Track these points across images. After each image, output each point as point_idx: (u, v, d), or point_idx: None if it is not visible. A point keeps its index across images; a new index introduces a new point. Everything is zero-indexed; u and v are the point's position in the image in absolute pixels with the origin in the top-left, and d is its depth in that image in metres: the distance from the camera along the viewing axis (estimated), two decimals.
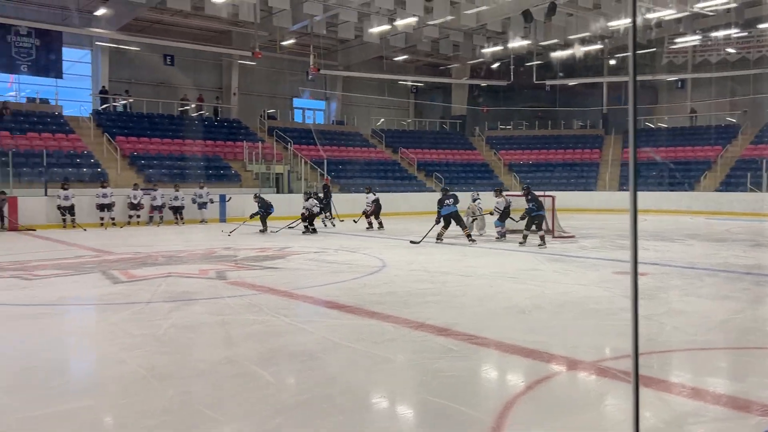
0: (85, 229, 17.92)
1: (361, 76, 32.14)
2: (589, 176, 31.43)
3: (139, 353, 5.31)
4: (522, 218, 13.90)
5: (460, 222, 14.00)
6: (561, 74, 32.42)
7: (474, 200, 16.75)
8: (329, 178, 24.83)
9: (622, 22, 24.75)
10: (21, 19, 22.66)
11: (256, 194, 18.77)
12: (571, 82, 33.69)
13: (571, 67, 32.62)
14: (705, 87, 32.99)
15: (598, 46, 28.72)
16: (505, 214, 14.81)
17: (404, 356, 5.26)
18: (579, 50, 28.41)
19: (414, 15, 23.35)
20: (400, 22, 23.98)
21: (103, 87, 27.17)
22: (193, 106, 29.33)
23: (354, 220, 20.25)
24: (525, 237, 13.39)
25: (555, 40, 28.32)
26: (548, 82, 32.59)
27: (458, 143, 35.03)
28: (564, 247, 13.11)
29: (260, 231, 17.04)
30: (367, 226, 18.28)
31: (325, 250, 12.70)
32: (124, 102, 27.70)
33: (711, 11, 25.20)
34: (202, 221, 20.81)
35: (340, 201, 22.63)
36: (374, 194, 18.48)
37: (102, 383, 4.69)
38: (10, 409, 4.06)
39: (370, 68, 32.12)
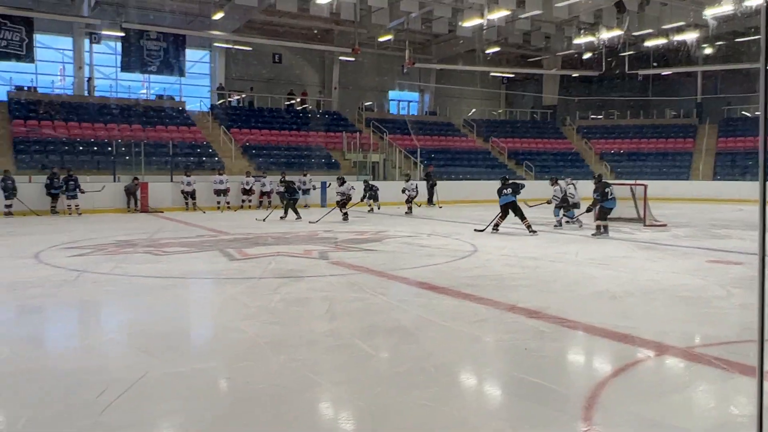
0: (204, 212, 18.84)
1: (454, 68, 31.82)
2: (682, 165, 29.73)
3: (253, 323, 5.56)
4: (588, 210, 13.29)
5: (518, 212, 12.68)
6: (654, 64, 30.73)
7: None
8: (432, 166, 24.75)
9: (719, 11, 23.12)
10: (151, 25, 24.00)
11: (282, 178, 18.00)
12: (665, 72, 31.88)
13: (664, 57, 30.85)
14: None
15: (693, 35, 26.95)
16: (564, 202, 14.18)
17: (496, 336, 5.23)
18: (673, 40, 26.82)
19: (506, 8, 22.83)
20: (492, 16, 23.50)
21: (220, 84, 28.38)
22: (298, 100, 30.08)
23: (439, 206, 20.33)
24: (597, 228, 12.38)
25: (648, 30, 26.85)
26: (641, 72, 31.02)
27: (549, 132, 34.04)
28: (655, 236, 12.52)
29: (281, 218, 16.16)
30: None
31: (419, 235, 12.75)
32: (238, 97, 28.81)
33: None
34: (306, 206, 21.38)
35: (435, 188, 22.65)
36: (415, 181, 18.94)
37: (223, 348, 4.95)
38: (150, 366, 4.37)
39: (462, 61, 31.72)
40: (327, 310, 6.11)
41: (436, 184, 22.30)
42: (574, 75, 33.87)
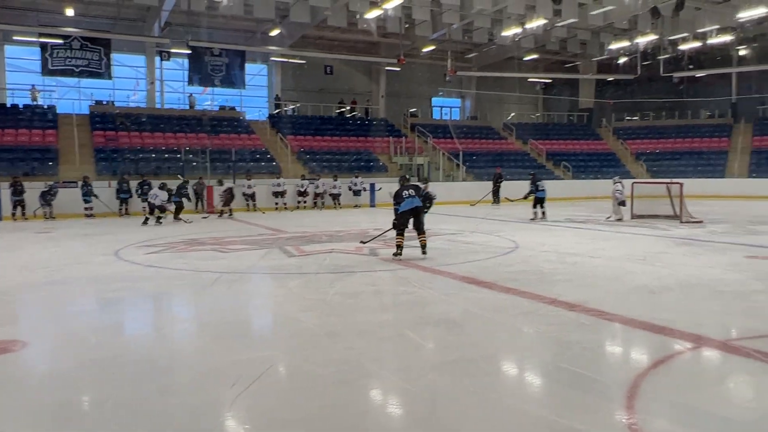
0: (263, 212, 19.16)
1: (494, 75, 31.46)
2: (717, 164, 28.62)
3: (311, 314, 5.64)
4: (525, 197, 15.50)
5: (420, 222, 8.95)
6: (689, 66, 29.67)
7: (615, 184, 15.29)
8: (500, 167, 24.47)
9: (753, 13, 22.14)
10: (214, 42, 24.57)
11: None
12: (699, 74, 30.75)
13: (698, 59, 29.75)
14: None
15: (728, 37, 25.88)
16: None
17: (539, 328, 5.16)
18: (707, 42, 25.83)
19: (543, 17, 22.44)
20: (530, 25, 23.12)
21: (277, 95, 28.85)
22: (348, 108, 30.29)
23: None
24: (534, 214, 14.93)
25: (683, 34, 25.95)
26: (676, 75, 29.96)
27: (585, 134, 33.28)
28: (692, 232, 12.11)
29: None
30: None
31: (462, 232, 12.67)
32: (293, 107, 29.21)
33: None
34: (356, 206, 21.52)
35: (477, 188, 22.56)
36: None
37: (283, 337, 5.04)
38: (217, 353, 4.50)
39: (501, 68, 31.32)
40: (379, 303, 6.15)
41: (500, 184, 22.44)
42: (609, 79, 33.02)
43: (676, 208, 14.40)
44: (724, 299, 6.06)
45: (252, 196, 19.82)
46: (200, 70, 24.27)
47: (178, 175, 19.72)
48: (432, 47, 27.80)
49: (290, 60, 28.09)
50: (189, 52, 23.82)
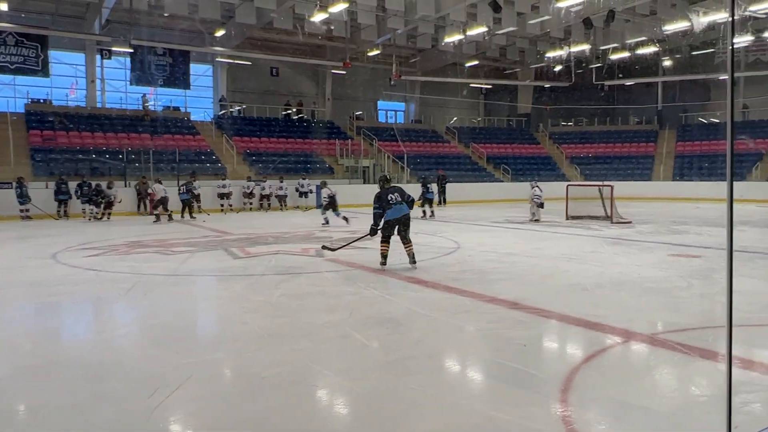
0: (208, 214, 18.72)
1: (437, 80, 31.86)
2: (644, 168, 29.99)
3: (257, 316, 5.55)
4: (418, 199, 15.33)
5: (406, 231, 8.02)
6: (619, 75, 30.96)
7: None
8: (442, 169, 24.67)
9: (677, 26, 23.34)
10: (158, 42, 23.82)
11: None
12: (628, 82, 32.14)
13: (627, 68, 31.06)
14: (757, 84, 30.67)
15: (654, 48, 27.19)
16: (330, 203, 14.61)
17: (479, 325, 5.25)
18: (635, 53, 27.03)
19: (484, 25, 22.92)
20: (471, 32, 23.58)
21: (222, 96, 28.23)
22: (294, 110, 30.00)
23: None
24: (423, 212, 16.28)
25: (613, 44, 27.06)
26: (607, 83, 31.22)
27: (524, 138, 34.19)
28: (622, 232, 12.62)
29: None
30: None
31: None
32: (239, 108, 28.70)
33: (763, 14, 23.34)
34: (305, 208, 21.33)
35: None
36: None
37: (228, 339, 4.93)
38: (159, 358, 4.36)
39: (444, 73, 31.76)
40: (324, 304, 6.11)
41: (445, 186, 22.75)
42: (545, 86, 34.05)
43: (607, 210, 14.97)
44: (651, 295, 6.34)
45: (196, 198, 19.33)
46: (143, 70, 23.51)
47: (190, 174, 19.03)
48: (377, 51, 27.90)
49: (236, 61, 27.56)
50: (131, 50, 23.02)
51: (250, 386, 3.78)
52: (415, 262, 8.00)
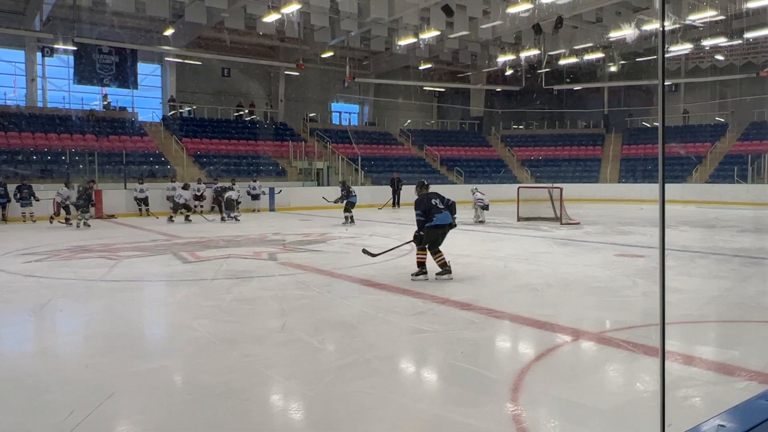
0: (157, 217, 18.24)
1: (391, 82, 32.01)
2: (592, 170, 30.92)
3: (206, 322, 5.42)
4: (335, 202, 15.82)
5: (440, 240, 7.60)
6: (567, 80, 31.86)
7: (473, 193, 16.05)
8: (396, 172, 24.67)
9: (621, 34, 24.21)
10: (104, 40, 23.05)
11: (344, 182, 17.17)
12: (576, 87, 33.10)
13: (575, 74, 31.99)
14: (696, 90, 32.13)
15: (600, 55, 28.13)
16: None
17: (432, 327, 5.28)
18: (583, 58, 27.88)
19: (437, 29, 23.17)
20: (424, 36, 23.81)
21: (172, 96, 27.56)
22: (246, 111, 29.56)
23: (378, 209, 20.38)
24: (346, 218, 15.20)
25: (562, 50, 27.83)
26: (556, 87, 32.03)
27: (476, 141, 34.71)
28: (571, 233, 12.96)
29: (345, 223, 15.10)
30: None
31: (360, 236, 12.74)
32: (189, 109, 28.07)
33: (702, 23, 24.48)
34: (256, 210, 21.04)
35: (370, 192, 22.80)
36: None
37: (177, 347, 4.80)
38: (106, 367, 4.20)
39: (398, 76, 31.95)
40: (277, 309, 6.03)
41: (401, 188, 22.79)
42: (497, 89, 34.68)
43: (556, 211, 15.35)
44: (598, 294, 6.52)
45: (144, 201, 18.82)
46: (88, 68, 22.70)
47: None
48: (331, 53, 27.83)
49: (186, 61, 26.96)
50: (74, 48, 22.19)
51: (199, 395, 3.68)
52: (449, 272, 7.36)
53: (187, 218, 16.49)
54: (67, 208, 15.48)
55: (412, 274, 7.42)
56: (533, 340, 4.92)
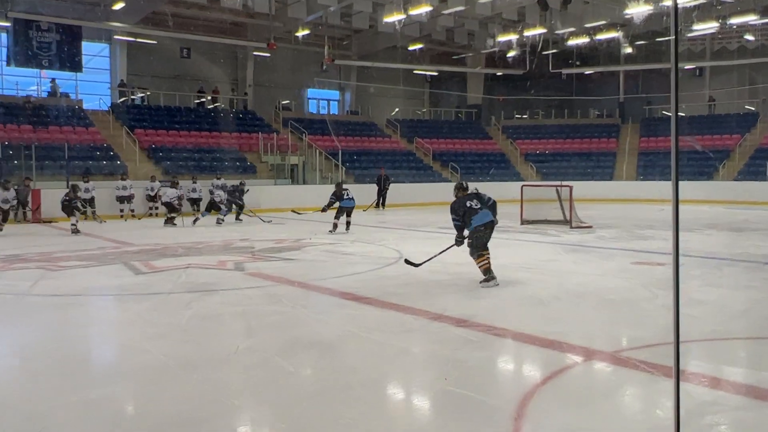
0: (105, 221, 18.08)
1: (376, 65, 32.04)
2: (605, 166, 31.17)
3: (162, 342, 5.39)
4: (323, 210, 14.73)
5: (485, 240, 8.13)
6: (577, 63, 32.13)
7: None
8: (384, 168, 24.70)
9: (639, 10, 24.42)
10: (41, 15, 22.83)
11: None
12: (587, 71, 33.38)
13: (587, 56, 32.26)
14: (724, 75, 32.54)
15: (615, 35, 28.36)
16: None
17: (424, 347, 5.29)
18: (595, 38, 28.12)
19: (428, 4, 23.23)
20: (414, 12, 23.84)
21: (122, 80, 27.37)
22: (209, 98, 29.45)
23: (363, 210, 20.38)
24: (334, 225, 14.39)
25: (571, 29, 28.03)
26: (564, 71, 32.32)
27: (474, 133, 34.87)
28: (582, 238, 13.04)
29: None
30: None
31: (341, 242, 12.73)
32: (142, 95, 27.89)
33: None
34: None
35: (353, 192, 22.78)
36: None
37: (127, 372, 4.76)
38: (42, 395, 4.15)
39: (384, 58, 32.00)
40: (244, 326, 6.00)
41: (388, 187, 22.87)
42: (498, 74, 34.83)
43: (566, 213, 15.45)
44: (612, 308, 6.57)
45: (90, 202, 18.63)
46: (23, 48, 22.49)
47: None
48: (307, 31, 27.77)
49: (138, 39, 26.78)
50: (8, 24, 21.97)
51: (152, 427, 3.65)
52: (494, 278, 7.73)
53: (218, 221, 16.48)
54: (6, 213, 15.03)
55: (480, 282, 7.72)
56: (539, 360, 4.94)
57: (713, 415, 3.75)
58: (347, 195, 14.55)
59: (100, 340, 5.87)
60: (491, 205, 7.95)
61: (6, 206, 14.88)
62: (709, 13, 26.54)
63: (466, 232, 7.91)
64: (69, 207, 15.11)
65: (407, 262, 8.63)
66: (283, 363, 4.78)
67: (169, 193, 17.05)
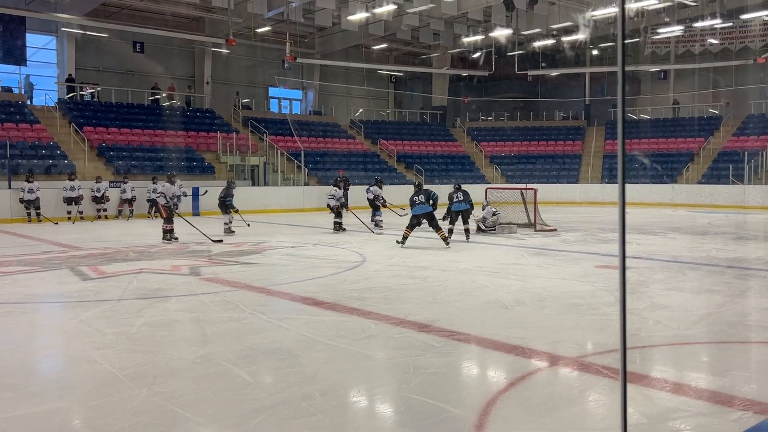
0: (56, 223, 17.67)
1: (339, 65, 32.04)
2: (571, 168, 31.70)
3: (110, 352, 5.28)
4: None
5: (431, 223, 12.19)
6: (543, 64, 32.62)
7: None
8: (343, 170, 24.68)
9: (605, 12, 24.93)
10: None
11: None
12: (553, 73, 33.93)
13: (553, 58, 32.80)
14: (688, 78, 33.41)
15: (580, 36, 28.90)
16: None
17: (385, 353, 5.29)
18: (561, 40, 28.60)
19: (393, 2, 23.32)
20: (378, 10, 23.90)
21: (70, 75, 26.76)
22: (164, 95, 29.04)
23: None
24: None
25: (537, 30, 28.47)
26: (530, 73, 32.77)
27: (439, 134, 35.12)
28: (546, 241, 13.23)
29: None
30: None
31: (303, 245, 12.68)
32: (92, 91, 27.32)
33: (693, 1, 25.48)
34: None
35: (316, 194, 22.68)
36: None
37: (73, 384, 4.65)
38: None
39: (348, 57, 32.02)
40: (198, 334, 5.92)
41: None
42: (463, 74, 35.16)
43: (530, 216, 15.65)
44: (576, 313, 6.67)
45: (34, 203, 18.20)
46: None
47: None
48: (267, 28, 27.64)
49: (87, 33, 26.24)
50: None
51: None
52: (448, 245, 12.05)
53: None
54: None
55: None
56: (502, 366, 4.99)
57: (675, 421, 3.83)
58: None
59: (44, 351, 5.72)
60: (433, 202, 12.23)
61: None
62: (674, 16, 27.26)
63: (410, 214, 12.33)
64: None
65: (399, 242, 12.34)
66: (240, 372, 4.73)
67: (174, 190, 14.10)
